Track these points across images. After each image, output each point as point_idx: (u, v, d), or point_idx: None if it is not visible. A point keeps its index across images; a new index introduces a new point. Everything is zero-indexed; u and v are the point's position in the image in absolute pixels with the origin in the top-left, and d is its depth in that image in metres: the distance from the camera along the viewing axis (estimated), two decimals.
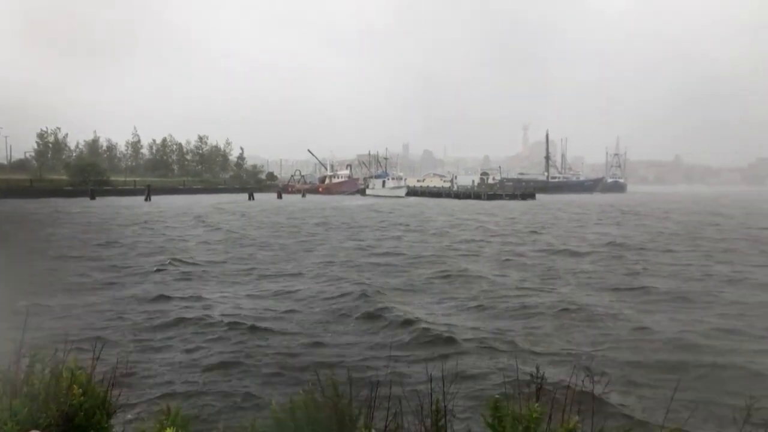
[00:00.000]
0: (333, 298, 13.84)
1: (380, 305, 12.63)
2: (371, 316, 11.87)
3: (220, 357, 9.18)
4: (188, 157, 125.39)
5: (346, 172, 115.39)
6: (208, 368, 8.69)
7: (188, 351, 9.56)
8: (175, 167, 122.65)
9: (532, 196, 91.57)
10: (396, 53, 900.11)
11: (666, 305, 13.36)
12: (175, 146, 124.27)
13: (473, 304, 13.28)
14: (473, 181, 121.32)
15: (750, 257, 22.27)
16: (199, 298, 13.69)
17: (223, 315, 11.82)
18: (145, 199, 67.44)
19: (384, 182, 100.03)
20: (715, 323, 11.59)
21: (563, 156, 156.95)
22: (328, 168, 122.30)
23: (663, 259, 21.43)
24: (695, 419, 6.34)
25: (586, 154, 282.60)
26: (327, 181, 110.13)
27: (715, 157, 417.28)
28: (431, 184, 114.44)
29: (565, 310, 12.44)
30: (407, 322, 11.19)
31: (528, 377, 3.09)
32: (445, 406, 2.75)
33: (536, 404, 2.53)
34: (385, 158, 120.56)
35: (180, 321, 11.42)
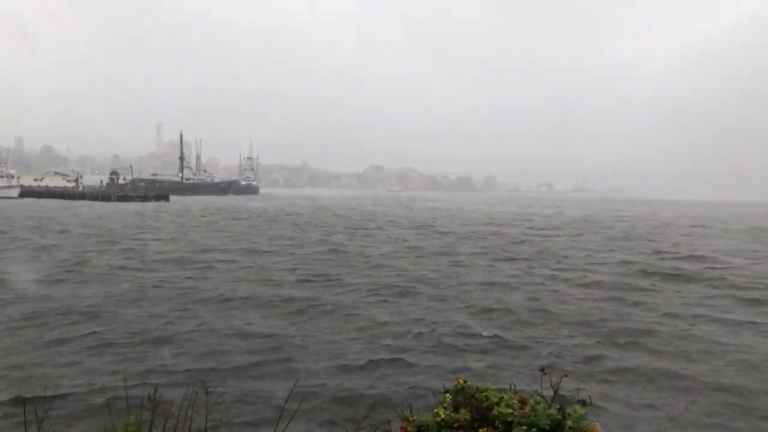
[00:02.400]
0: None
1: None
2: None
3: None
4: None
5: None
6: None
7: None
8: None
9: (165, 198, 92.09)
10: None
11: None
12: None
13: None
14: (102, 181, 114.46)
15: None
16: None
17: None
18: None
19: None
20: None
21: (198, 157, 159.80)
22: None
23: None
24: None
25: (222, 156, 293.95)
26: None
27: (336, 164, 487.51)
28: (52, 184, 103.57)
29: None
30: None
31: None
32: None
33: None
34: None
35: None
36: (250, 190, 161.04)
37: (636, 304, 15.52)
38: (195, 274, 19.38)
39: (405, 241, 32.85)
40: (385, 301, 15.44)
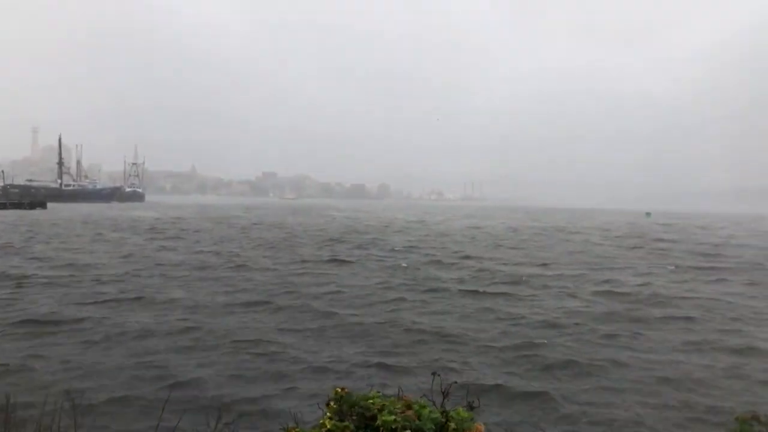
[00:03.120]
0: None
1: None
2: None
3: None
4: None
5: None
6: None
7: None
8: None
9: (42, 205, 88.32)
10: None
11: None
12: None
13: None
14: None
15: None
16: None
17: None
18: None
19: None
20: None
21: (79, 162, 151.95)
22: None
23: None
24: None
25: (104, 161, 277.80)
26: None
27: (227, 170, 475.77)
28: None
29: None
30: None
31: None
32: None
33: None
34: None
35: None
36: (136, 197, 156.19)
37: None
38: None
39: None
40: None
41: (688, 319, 15.28)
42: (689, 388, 9.69)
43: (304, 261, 26.72)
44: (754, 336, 13.48)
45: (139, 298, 16.43)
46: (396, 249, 34.14)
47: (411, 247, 35.81)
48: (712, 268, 27.40)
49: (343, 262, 26.69)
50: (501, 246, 38.97)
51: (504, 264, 27.34)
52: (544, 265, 27.34)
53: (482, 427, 2.72)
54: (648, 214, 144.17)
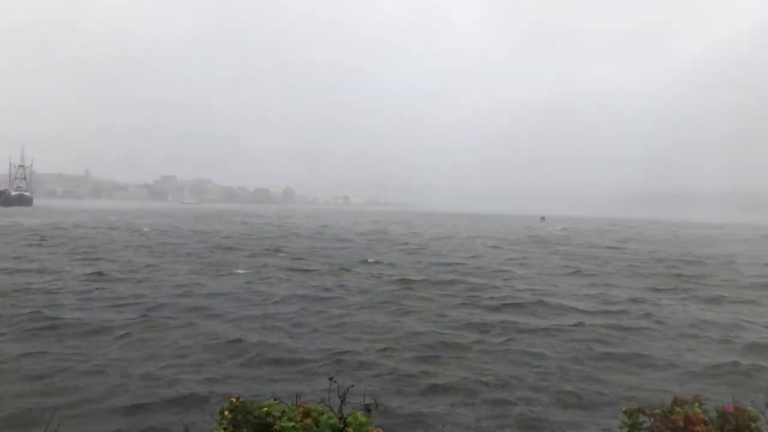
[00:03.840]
0: None
1: None
2: None
3: None
4: None
5: None
6: None
7: None
8: None
9: None
10: None
11: None
12: None
13: None
14: None
15: None
16: None
17: None
18: None
19: None
20: None
21: None
22: None
23: None
24: None
25: None
26: None
27: (123, 174, 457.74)
28: None
29: None
30: None
31: None
32: None
33: None
34: None
35: None
36: (23, 201, 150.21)
37: None
38: None
39: None
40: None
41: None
42: None
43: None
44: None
45: None
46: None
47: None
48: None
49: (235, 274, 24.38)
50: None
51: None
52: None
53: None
54: (543, 218, 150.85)
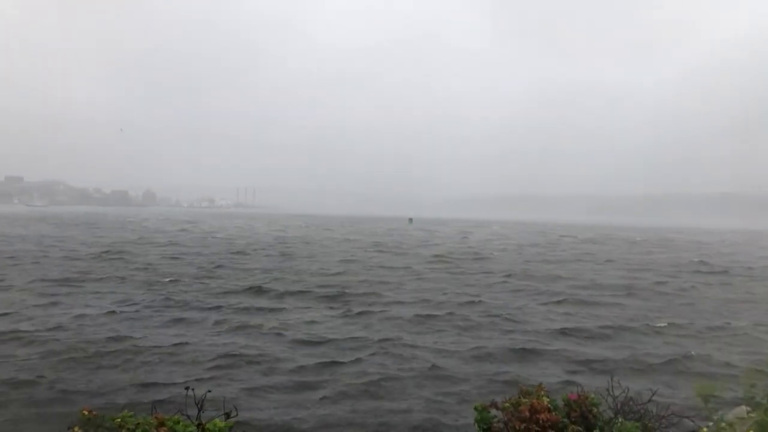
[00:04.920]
0: None
1: None
2: None
3: None
4: None
5: None
6: None
7: None
8: None
9: None
10: None
11: None
12: None
13: None
14: None
15: None
16: None
17: None
18: None
19: None
20: None
21: None
22: None
23: None
24: None
25: None
26: None
27: None
28: None
29: None
30: None
31: None
32: None
33: None
34: None
35: None
36: None
37: None
38: None
39: None
40: None
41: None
42: None
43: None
44: None
45: None
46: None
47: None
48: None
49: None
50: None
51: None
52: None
53: None
54: (410, 220, 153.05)
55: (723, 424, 2.91)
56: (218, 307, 19.21)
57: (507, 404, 3.71)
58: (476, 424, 3.71)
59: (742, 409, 4.03)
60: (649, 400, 4.26)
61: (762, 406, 2.81)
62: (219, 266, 32.25)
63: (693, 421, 4.32)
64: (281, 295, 22.29)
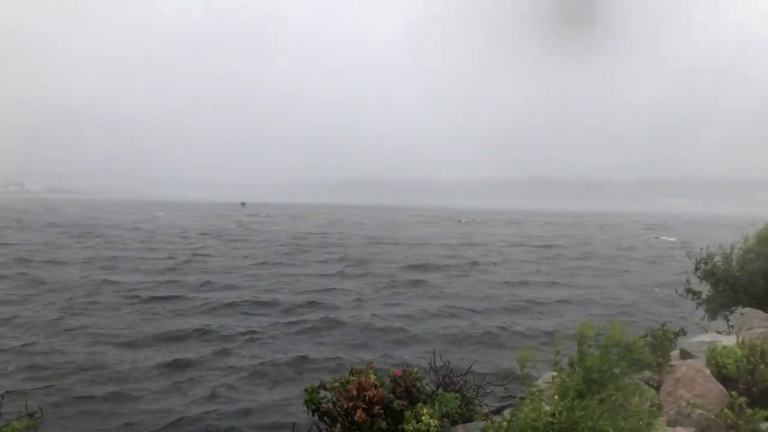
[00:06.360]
0: None
1: None
2: None
3: None
4: None
5: None
6: None
7: None
8: None
9: None
10: None
11: None
12: None
13: None
14: None
15: None
16: None
17: None
18: None
19: None
20: None
21: None
22: None
23: None
24: None
25: None
26: None
27: None
28: None
29: None
30: None
31: None
32: None
33: None
34: None
35: None
36: None
37: None
38: None
39: None
40: None
41: None
42: None
43: None
44: None
45: None
46: None
47: None
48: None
49: None
50: None
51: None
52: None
53: None
54: (243, 204, 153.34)
55: (533, 389, 3.24)
56: None
57: (336, 384, 3.81)
58: (306, 405, 3.79)
59: (550, 375, 4.51)
60: (467, 372, 4.61)
61: (564, 370, 3.21)
62: None
63: (506, 389, 4.78)
64: None
